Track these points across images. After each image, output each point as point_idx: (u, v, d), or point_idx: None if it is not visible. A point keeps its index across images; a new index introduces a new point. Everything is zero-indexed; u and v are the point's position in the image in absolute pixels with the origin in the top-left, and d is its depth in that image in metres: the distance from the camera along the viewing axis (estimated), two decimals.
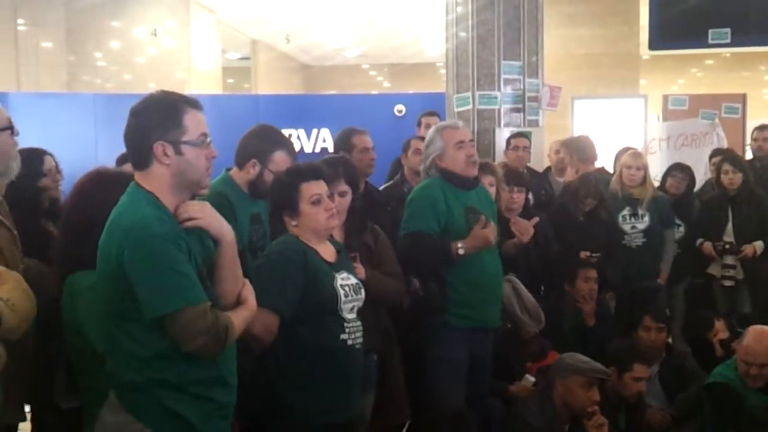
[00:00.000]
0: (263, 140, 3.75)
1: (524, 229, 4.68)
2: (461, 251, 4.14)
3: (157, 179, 2.50)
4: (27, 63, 13.04)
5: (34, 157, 4.07)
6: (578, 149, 6.48)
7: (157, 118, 2.50)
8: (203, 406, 2.52)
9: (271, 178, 3.62)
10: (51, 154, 4.52)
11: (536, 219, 4.86)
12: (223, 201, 3.40)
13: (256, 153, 3.69)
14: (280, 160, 3.68)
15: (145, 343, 2.44)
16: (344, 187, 3.72)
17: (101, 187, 2.82)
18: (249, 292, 2.63)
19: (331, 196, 3.34)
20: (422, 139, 5.80)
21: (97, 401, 2.61)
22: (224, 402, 2.60)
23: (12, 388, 2.71)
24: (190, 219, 2.49)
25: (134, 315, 2.42)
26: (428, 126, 6.67)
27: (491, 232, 4.19)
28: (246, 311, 2.59)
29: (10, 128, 2.98)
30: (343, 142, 5.24)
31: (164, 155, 2.48)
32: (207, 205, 2.59)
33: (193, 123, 2.52)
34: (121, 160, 4.21)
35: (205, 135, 2.54)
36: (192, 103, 2.56)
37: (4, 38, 12.92)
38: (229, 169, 3.77)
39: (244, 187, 3.71)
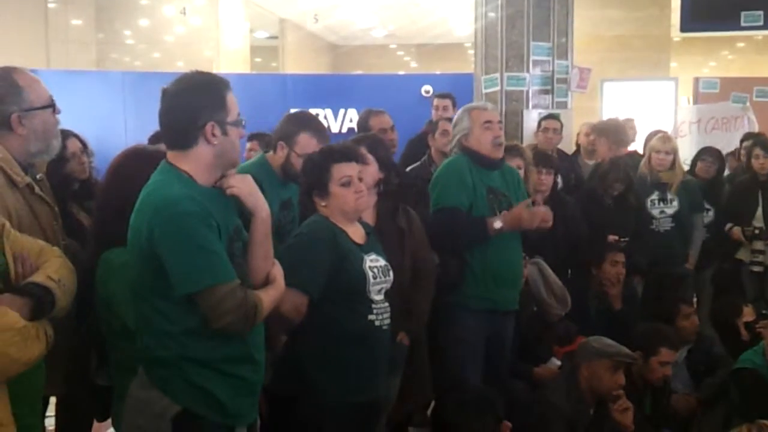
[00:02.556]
0: (291, 123, 3.85)
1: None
2: (497, 225, 4.13)
3: (197, 159, 2.52)
4: (56, 40, 13.09)
5: None
6: (612, 132, 6.43)
7: (205, 98, 2.53)
8: (231, 383, 2.54)
9: (299, 161, 3.65)
10: (77, 135, 4.49)
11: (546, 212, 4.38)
12: None
13: (283, 135, 3.79)
14: (304, 142, 3.74)
15: (174, 320, 2.46)
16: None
17: (138, 164, 2.83)
18: (278, 272, 2.65)
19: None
20: (449, 120, 5.81)
21: (127, 377, 2.64)
22: (252, 379, 2.62)
23: (55, 362, 2.75)
24: (230, 186, 2.54)
25: (164, 292, 2.44)
26: (438, 108, 6.65)
27: (534, 216, 4.16)
28: (275, 290, 2.60)
29: (51, 106, 3.01)
30: (362, 124, 5.25)
31: (213, 135, 2.51)
32: (248, 178, 2.62)
33: (233, 104, 2.58)
34: (154, 140, 4.20)
35: (239, 115, 2.59)
36: (228, 84, 2.60)
37: (34, 16, 12.98)
38: (266, 152, 3.81)
39: (278, 170, 3.79)
